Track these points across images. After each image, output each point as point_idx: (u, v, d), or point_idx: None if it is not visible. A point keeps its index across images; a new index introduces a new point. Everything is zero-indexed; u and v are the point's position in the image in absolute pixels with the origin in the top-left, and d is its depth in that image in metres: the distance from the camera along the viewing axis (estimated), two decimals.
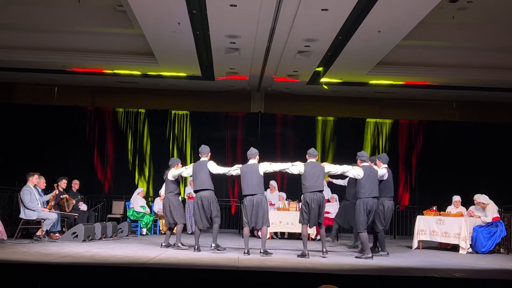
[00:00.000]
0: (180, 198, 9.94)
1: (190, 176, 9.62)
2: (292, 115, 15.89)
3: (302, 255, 8.46)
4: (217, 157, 15.16)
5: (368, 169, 8.98)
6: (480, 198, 10.57)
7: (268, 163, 8.91)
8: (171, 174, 9.46)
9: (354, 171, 8.94)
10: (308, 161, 8.88)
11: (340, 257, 8.56)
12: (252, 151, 9.02)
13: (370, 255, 8.55)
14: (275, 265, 7.18)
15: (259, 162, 8.91)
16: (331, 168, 9.03)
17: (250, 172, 8.79)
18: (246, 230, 8.79)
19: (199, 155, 9.32)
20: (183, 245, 9.22)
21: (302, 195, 8.77)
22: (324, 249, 8.56)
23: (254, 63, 12.65)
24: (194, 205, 9.06)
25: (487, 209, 10.40)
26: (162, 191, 10.07)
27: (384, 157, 9.58)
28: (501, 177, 14.67)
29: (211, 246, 8.80)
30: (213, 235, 8.90)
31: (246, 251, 8.51)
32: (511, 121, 15.42)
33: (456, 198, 11.12)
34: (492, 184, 13.37)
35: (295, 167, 8.84)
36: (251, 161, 8.93)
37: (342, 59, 12.04)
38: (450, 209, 11.02)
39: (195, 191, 9.08)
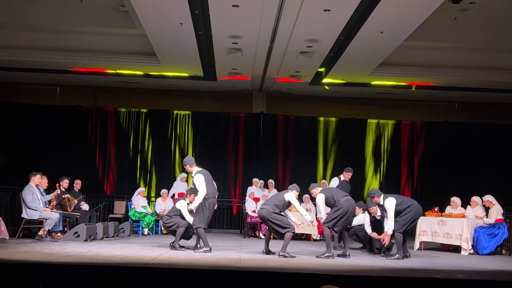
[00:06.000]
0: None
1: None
2: (294, 115, 15.90)
3: (328, 256, 8.41)
4: (218, 158, 15.44)
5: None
6: (488, 197, 10.54)
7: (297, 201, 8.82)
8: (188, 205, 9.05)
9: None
10: (321, 189, 8.87)
11: (342, 258, 8.54)
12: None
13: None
14: (276, 265, 7.17)
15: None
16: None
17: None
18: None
19: (187, 166, 8.86)
20: (181, 246, 8.99)
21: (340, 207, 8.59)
22: (347, 252, 8.74)
23: (256, 63, 12.65)
24: (207, 207, 8.63)
25: (492, 209, 10.36)
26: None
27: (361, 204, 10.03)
28: (503, 178, 14.66)
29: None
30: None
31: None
32: None
33: (452, 199, 11.09)
34: (494, 185, 13.32)
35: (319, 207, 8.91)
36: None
37: (344, 60, 12.04)
38: (450, 209, 11.01)
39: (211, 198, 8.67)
